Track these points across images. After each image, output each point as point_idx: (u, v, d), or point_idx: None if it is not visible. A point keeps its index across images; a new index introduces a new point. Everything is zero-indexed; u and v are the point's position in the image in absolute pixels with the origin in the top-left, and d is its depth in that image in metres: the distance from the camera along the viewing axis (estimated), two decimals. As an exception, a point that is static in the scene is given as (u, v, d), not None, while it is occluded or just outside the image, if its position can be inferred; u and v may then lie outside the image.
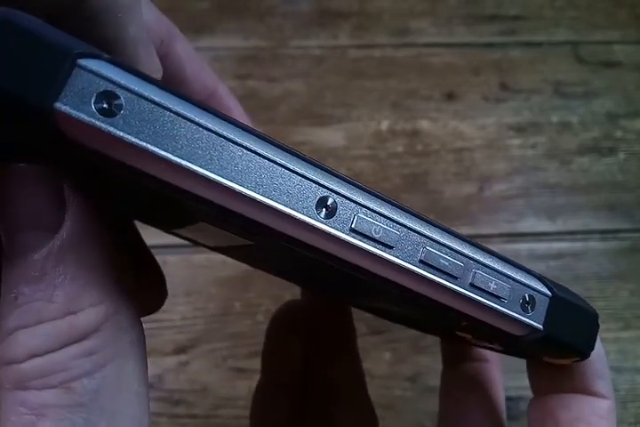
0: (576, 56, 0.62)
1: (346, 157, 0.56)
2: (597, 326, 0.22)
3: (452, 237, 0.19)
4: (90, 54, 0.14)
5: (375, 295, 0.23)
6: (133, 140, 0.14)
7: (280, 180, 0.16)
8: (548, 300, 0.20)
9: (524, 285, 0.20)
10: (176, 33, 0.27)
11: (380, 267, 0.17)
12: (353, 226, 0.17)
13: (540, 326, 0.20)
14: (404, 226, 0.18)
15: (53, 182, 0.16)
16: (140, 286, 0.20)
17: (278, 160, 0.16)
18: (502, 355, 0.29)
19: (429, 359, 0.48)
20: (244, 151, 0.15)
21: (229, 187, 0.15)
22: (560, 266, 0.52)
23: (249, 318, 0.49)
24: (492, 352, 0.31)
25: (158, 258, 0.26)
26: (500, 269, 0.19)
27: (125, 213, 0.23)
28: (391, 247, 0.17)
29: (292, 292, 0.47)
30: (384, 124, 0.58)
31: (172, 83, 0.27)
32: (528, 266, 0.21)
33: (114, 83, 0.14)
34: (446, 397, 0.33)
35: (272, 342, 0.37)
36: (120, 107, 0.14)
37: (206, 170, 0.15)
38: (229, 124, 0.15)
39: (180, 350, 0.48)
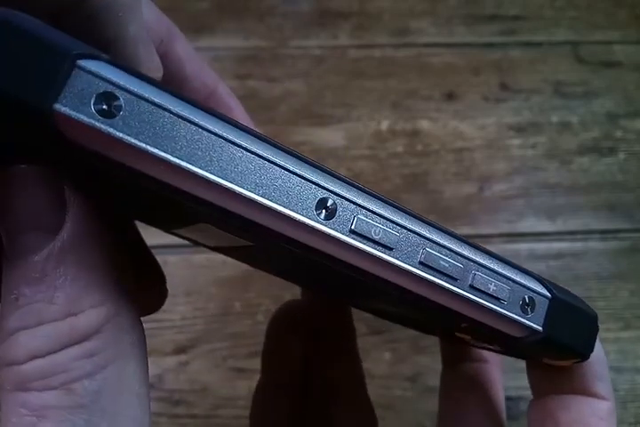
0: (576, 56, 0.62)
1: (346, 157, 0.56)
2: (597, 327, 0.22)
3: (451, 238, 0.19)
4: (89, 55, 0.14)
5: (375, 296, 0.23)
6: (133, 141, 0.14)
7: (280, 181, 0.16)
8: (547, 301, 0.20)
9: (524, 286, 0.20)
10: (176, 32, 0.27)
11: (379, 268, 0.17)
12: (353, 227, 0.17)
13: (540, 328, 0.20)
14: (404, 227, 0.17)
15: (54, 183, 0.16)
16: (140, 286, 0.20)
17: (278, 161, 0.16)
18: (502, 355, 0.29)
19: (429, 359, 0.48)
20: (244, 152, 0.15)
21: (229, 188, 0.15)
22: (560, 266, 0.52)
23: (249, 318, 0.49)
24: (492, 353, 0.31)
25: (158, 258, 0.26)
26: (499, 270, 0.19)
27: (126, 213, 0.23)
28: (391, 249, 0.17)
29: (291, 292, 0.47)
30: (384, 124, 0.58)
31: (172, 82, 0.26)
32: (528, 266, 0.21)
33: (113, 84, 0.14)
34: (446, 397, 0.33)
35: (272, 342, 0.37)
36: (119, 108, 0.14)
37: (206, 171, 0.15)
38: (229, 126, 0.15)
39: (180, 350, 0.48)
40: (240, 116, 0.29)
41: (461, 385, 0.32)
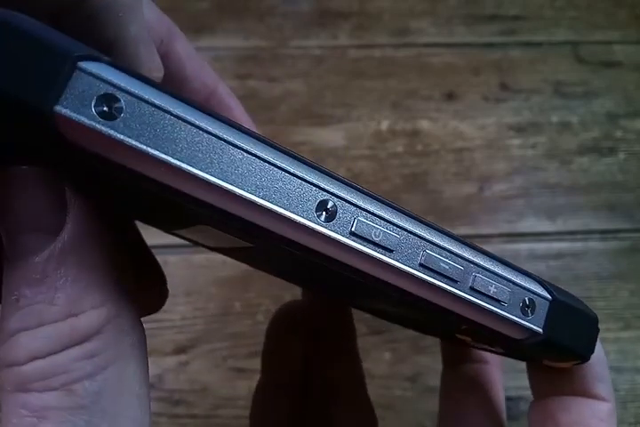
0: (576, 56, 0.62)
1: (346, 157, 0.56)
2: (597, 329, 0.22)
3: (452, 240, 0.19)
4: (90, 57, 0.14)
5: (375, 297, 0.23)
6: (133, 143, 0.14)
7: (280, 183, 0.16)
8: (548, 303, 0.20)
9: (524, 288, 0.20)
10: (176, 32, 0.27)
11: (379, 270, 0.17)
12: (353, 229, 0.17)
13: (540, 330, 0.20)
14: (405, 229, 0.18)
15: (54, 185, 0.16)
16: (140, 287, 0.20)
17: (278, 163, 0.16)
18: (502, 356, 0.29)
19: (429, 359, 0.48)
20: (245, 154, 0.15)
21: (229, 190, 0.15)
22: (560, 266, 0.52)
23: (249, 318, 0.49)
24: (492, 354, 0.31)
25: (158, 258, 0.26)
26: (500, 272, 0.19)
27: (126, 213, 0.23)
28: (391, 251, 0.17)
29: (291, 292, 0.47)
30: (384, 124, 0.58)
31: (172, 82, 0.26)
32: (528, 266, 0.21)
33: (114, 86, 0.14)
34: (446, 397, 0.33)
35: (272, 342, 0.37)
36: (120, 110, 0.14)
37: (206, 173, 0.15)
38: (229, 127, 0.15)
39: (180, 350, 0.48)
40: (240, 117, 0.29)
41: (462, 386, 0.32)
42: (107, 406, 0.16)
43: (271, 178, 0.15)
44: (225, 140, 0.15)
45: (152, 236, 0.26)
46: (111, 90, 0.14)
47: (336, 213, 0.16)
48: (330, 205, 0.16)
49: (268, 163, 0.15)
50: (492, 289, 0.19)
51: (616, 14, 0.64)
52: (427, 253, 0.18)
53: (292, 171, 0.16)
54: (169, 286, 0.26)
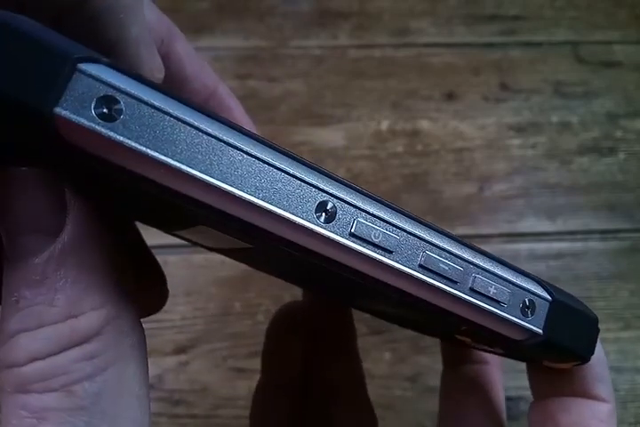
0: (576, 56, 0.62)
1: (346, 157, 0.56)
2: (597, 330, 0.22)
3: (451, 241, 0.19)
4: (90, 58, 0.14)
5: (375, 298, 0.23)
6: (133, 144, 0.14)
7: (280, 184, 0.16)
8: (547, 304, 0.20)
9: (524, 289, 0.20)
10: (176, 32, 0.27)
11: (379, 271, 0.17)
12: (352, 230, 0.17)
13: (540, 331, 0.20)
14: (404, 230, 0.17)
15: (54, 186, 0.16)
16: (140, 287, 0.20)
17: (278, 164, 0.16)
18: (502, 357, 0.29)
19: (429, 359, 0.48)
20: (244, 156, 0.15)
21: (229, 191, 0.15)
22: (560, 266, 0.52)
23: (249, 318, 0.49)
24: (493, 354, 0.31)
25: (158, 258, 0.26)
26: (499, 273, 0.19)
27: (126, 214, 0.23)
28: (391, 252, 0.17)
29: (291, 292, 0.47)
30: (384, 124, 0.58)
31: (172, 82, 0.26)
32: (528, 266, 0.21)
33: (114, 87, 0.14)
34: (446, 398, 0.33)
35: (272, 343, 0.37)
36: (120, 111, 0.14)
37: (206, 174, 0.15)
38: (229, 129, 0.15)
39: (180, 350, 0.48)
40: (240, 117, 0.29)
41: (462, 387, 0.32)
42: (106, 408, 0.16)
43: (270, 179, 0.15)
44: (224, 142, 0.15)
45: (152, 236, 0.26)
46: (111, 91, 0.14)
47: (335, 214, 0.16)
48: (329, 206, 0.16)
49: (268, 164, 0.15)
50: (492, 290, 0.19)
51: (616, 14, 0.64)
52: (426, 254, 0.18)
53: (291, 172, 0.16)
54: (169, 286, 0.26)
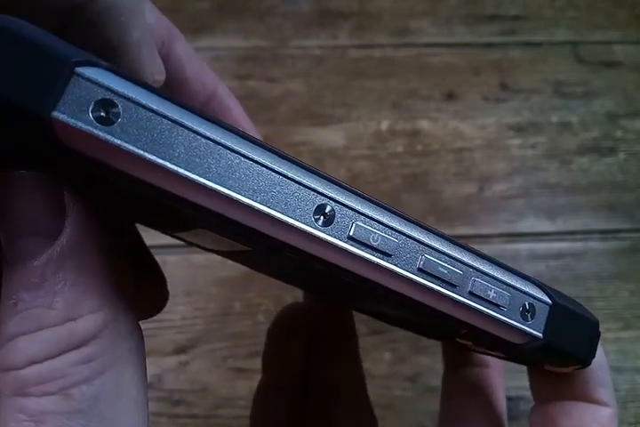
0: (576, 56, 0.62)
1: (346, 157, 0.56)
2: (598, 334, 0.22)
3: (451, 244, 0.18)
4: (88, 62, 0.14)
5: (375, 300, 0.23)
6: (131, 148, 0.14)
7: (278, 187, 0.16)
8: (548, 308, 0.20)
9: (524, 293, 0.20)
10: (176, 33, 0.27)
11: (378, 275, 0.17)
12: (351, 234, 0.16)
13: (540, 335, 0.20)
14: (403, 234, 0.17)
15: (53, 189, 0.16)
16: (140, 289, 0.20)
17: (276, 168, 0.16)
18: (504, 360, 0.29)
19: (429, 359, 0.48)
20: (242, 159, 0.15)
21: (227, 195, 0.15)
22: (560, 266, 0.52)
23: (249, 318, 0.49)
24: (495, 358, 0.31)
25: (158, 258, 0.26)
26: (499, 276, 0.19)
27: (126, 216, 0.23)
28: (389, 255, 0.17)
29: (292, 292, 0.47)
30: (384, 124, 0.58)
31: (172, 83, 0.26)
32: (528, 266, 0.21)
33: (112, 91, 0.14)
34: (447, 400, 0.33)
35: (274, 344, 0.37)
36: (118, 115, 0.14)
37: (204, 178, 0.15)
38: (227, 132, 0.15)
39: (180, 350, 0.48)
40: (240, 118, 0.29)
41: (463, 390, 0.32)
42: (104, 411, 0.16)
43: (269, 182, 0.15)
44: (222, 145, 0.15)
45: (152, 236, 0.26)
46: (109, 95, 0.14)
47: (334, 217, 0.16)
48: (328, 209, 0.16)
49: (266, 167, 0.15)
50: (492, 294, 0.19)
51: (616, 14, 0.64)
52: (425, 257, 0.18)
53: (289, 175, 0.16)
54: (169, 287, 0.26)
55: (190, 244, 0.28)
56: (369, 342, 0.48)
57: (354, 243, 0.17)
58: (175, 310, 0.49)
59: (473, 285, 0.19)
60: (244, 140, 0.15)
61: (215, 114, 0.28)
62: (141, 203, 0.18)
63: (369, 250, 0.17)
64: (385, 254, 0.17)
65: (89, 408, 0.16)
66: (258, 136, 0.29)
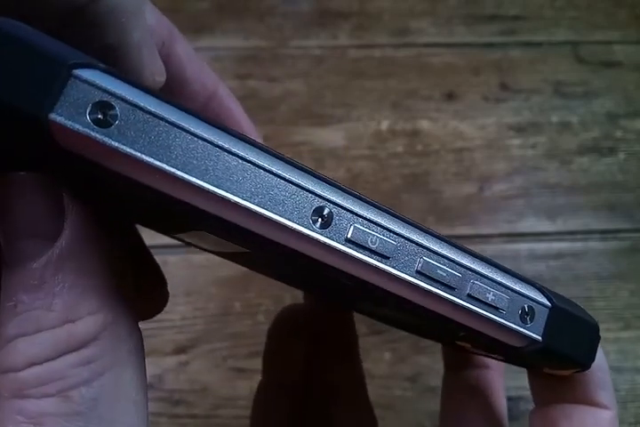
0: (576, 56, 0.62)
1: (346, 157, 0.56)
2: (598, 337, 0.21)
3: (449, 246, 0.18)
4: (85, 64, 0.14)
5: (374, 302, 0.23)
6: (128, 150, 0.14)
7: (275, 190, 0.16)
8: (547, 311, 0.20)
9: (523, 295, 0.20)
10: (176, 34, 0.26)
11: (376, 277, 0.17)
12: (349, 236, 0.16)
13: (539, 338, 0.20)
14: (401, 236, 0.17)
15: (52, 190, 0.16)
16: (140, 290, 0.20)
17: (274, 170, 0.16)
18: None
19: (429, 359, 0.48)
20: (240, 161, 0.15)
21: (224, 197, 0.15)
22: (560, 266, 0.52)
23: (249, 318, 0.49)
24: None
25: (158, 258, 0.26)
26: (498, 279, 0.19)
27: (126, 217, 0.23)
28: (387, 258, 0.17)
29: (292, 292, 0.47)
30: (384, 124, 0.58)
31: (172, 84, 0.26)
32: (528, 266, 0.21)
33: (109, 93, 0.14)
34: (448, 401, 0.33)
35: (274, 345, 0.37)
36: (115, 117, 0.14)
37: (201, 180, 0.15)
38: (224, 134, 0.15)
39: (180, 350, 0.48)
40: (240, 118, 0.29)
41: (463, 391, 0.32)
42: (103, 413, 0.16)
43: (266, 185, 0.15)
44: (220, 147, 0.15)
45: (152, 236, 0.26)
46: (106, 97, 0.14)
47: (332, 219, 0.16)
48: (326, 211, 0.16)
49: (264, 169, 0.15)
50: (490, 296, 0.19)
51: (616, 14, 0.64)
52: (424, 260, 0.18)
53: (287, 177, 0.16)
54: (169, 287, 0.26)
55: (191, 245, 0.28)
56: (369, 342, 0.48)
57: (352, 245, 0.16)
58: (175, 310, 0.49)
59: (471, 287, 0.18)
60: (242, 142, 0.15)
61: (215, 114, 0.28)
62: (140, 205, 0.18)
63: (367, 252, 0.17)
64: (383, 257, 0.17)
65: (88, 410, 0.16)
66: (258, 136, 0.29)
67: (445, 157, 0.56)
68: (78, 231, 0.16)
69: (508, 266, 0.20)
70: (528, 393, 0.27)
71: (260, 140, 0.18)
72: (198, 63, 0.28)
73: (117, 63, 0.20)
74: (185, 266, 0.50)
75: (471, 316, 0.19)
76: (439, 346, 0.35)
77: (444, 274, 0.18)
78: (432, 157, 0.56)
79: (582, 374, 0.23)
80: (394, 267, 0.17)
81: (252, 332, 0.48)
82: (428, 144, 0.57)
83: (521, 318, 0.19)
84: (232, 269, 0.50)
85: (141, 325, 0.19)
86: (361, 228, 0.17)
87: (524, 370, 0.27)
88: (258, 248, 0.17)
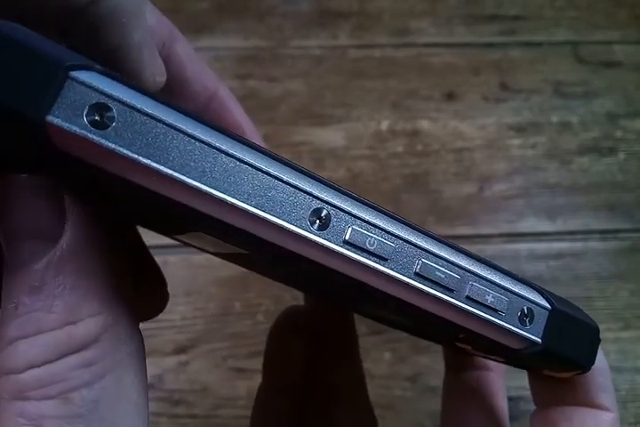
0: (576, 56, 0.62)
1: (346, 157, 0.56)
2: (598, 339, 0.21)
3: (448, 248, 0.18)
4: (82, 66, 0.14)
5: (374, 304, 0.23)
6: (125, 152, 0.14)
7: (273, 191, 0.15)
8: (547, 313, 0.20)
9: (523, 297, 0.19)
10: (177, 34, 0.26)
11: (374, 279, 0.17)
12: (347, 238, 0.16)
13: (539, 340, 0.20)
14: (400, 238, 0.17)
15: (53, 192, 0.16)
16: (140, 291, 0.20)
17: (272, 172, 0.15)
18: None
19: (429, 359, 0.48)
20: (237, 163, 0.15)
21: (221, 199, 0.15)
22: (560, 266, 0.52)
23: (249, 318, 0.49)
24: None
25: (158, 258, 0.26)
26: (497, 281, 0.19)
27: (126, 219, 0.23)
28: (386, 260, 0.17)
29: (292, 292, 0.47)
30: (384, 124, 0.57)
31: (172, 85, 0.26)
32: (528, 266, 0.21)
33: (106, 95, 0.14)
34: (449, 402, 0.33)
35: (274, 346, 0.36)
36: (112, 119, 0.14)
37: (198, 182, 0.15)
38: (222, 135, 0.15)
39: (180, 350, 0.48)
40: (240, 118, 0.29)
41: (464, 392, 0.32)
42: (104, 415, 0.16)
43: (264, 186, 0.15)
44: (217, 149, 0.15)
45: (152, 236, 0.26)
46: (103, 99, 0.14)
47: (330, 221, 0.16)
48: (323, 213, 0.16)
49: (261, 171, 0.15)
50: (489, 298, 0.19)
51: (616, 14, 0.64)
52: (422, 261, 0.18)
53: (285, 179, 0.16)
54: (169, 287, 0.26)
55: (191, 246, 0.28)
56: (369, 342, 0.48)
57: (350, 247, 0.16)
58: (175, 310, 0.49)
59: (470, 289, 0.18)
60: (240, 144, 0.15)
61: (216, 115, 0.28)
62: (138, 206, 0.18)
63: (365, 254, 0.17)
64: (381, 259, 0.17)
65: (89, 412, 0.16)
66: (259, 136, 0.29)
67: (445, 157, 0.56)
68: (79, 233, 0.16)
69: (507, 266, 0.20)
70: (528, 393, 0.27)
71: (260, 141, 0.18)
72: (199, 64, 0.28)
73: (118, 64, 0.20)
74: (185, 266, 0.50)
75: (470, 318, 0.19)
76: (439, 346, 0.35)
77: (443, 276, 0.18)
78: (432, 157, 0.56)
79: (583, 376, 0.23)
80: (392, 269, 0.17)
81: (252, 332, 0.48)
82: (428, 144, 0.57)
83: (520, 320, 0.19)
84: (232, 269, 0.50)
85: (141, 325, 0.19)
86: (359, 229, 0.17)
87: (525, 370, 0.27)
88: (256, 250, 0.17)
